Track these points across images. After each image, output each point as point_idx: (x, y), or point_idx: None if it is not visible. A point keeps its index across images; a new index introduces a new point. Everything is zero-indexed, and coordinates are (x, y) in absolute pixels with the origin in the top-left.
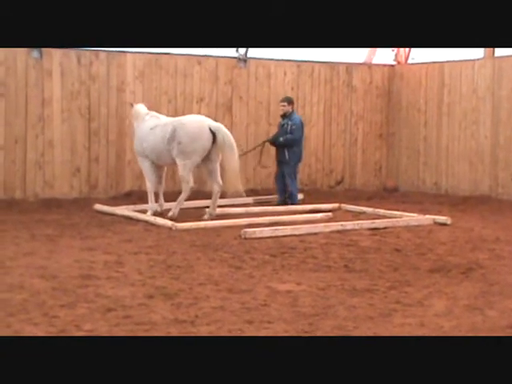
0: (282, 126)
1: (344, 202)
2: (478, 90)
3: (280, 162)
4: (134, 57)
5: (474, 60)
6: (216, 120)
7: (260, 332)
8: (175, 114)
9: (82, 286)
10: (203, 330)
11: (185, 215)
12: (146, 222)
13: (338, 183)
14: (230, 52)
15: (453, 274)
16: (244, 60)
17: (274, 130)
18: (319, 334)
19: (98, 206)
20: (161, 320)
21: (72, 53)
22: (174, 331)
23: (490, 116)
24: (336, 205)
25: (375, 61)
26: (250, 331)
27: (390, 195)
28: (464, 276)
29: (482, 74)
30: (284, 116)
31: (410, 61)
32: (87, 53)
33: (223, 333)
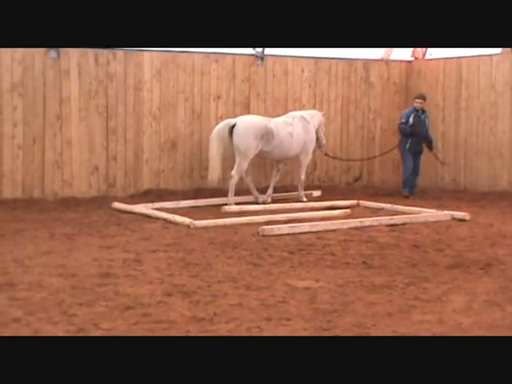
0: (422, 120)
1: (362, 199)
2: (496, 85)
3: (418, 152)
4: (152, 55)
5: (491, 55)
6: (234, 118)
7: (278, 329)
8: (192, 113)
9: (101, 284)
10: (221, 328)
11: (203, 212)
12: (165, 219)
13: (356, 180)
14: (247, 49)
15: (472, 269)
16: (261, 57)
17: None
18: (338, 331)
19: (117, 204)
20: (179, 318)
21: (89, 52)
22: (193, 329)
23: (509, 111)
24: (354, 201)
25: (393, 57)
26: (269, 328)
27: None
28: (483, 272)
29: (500, 69)
30: (422, 111)
31: (427, 56)
32: (104, 52)
33: (241, 330)
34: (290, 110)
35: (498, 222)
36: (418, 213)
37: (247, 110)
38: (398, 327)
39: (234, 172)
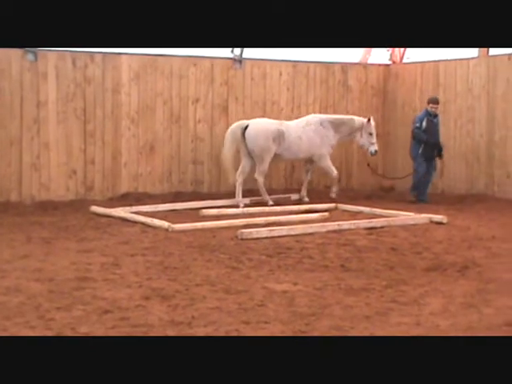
0: (435, 124)
1: (341, 202)
2: (473, 89)
3: (432, 158)
4: (130, 58)
5: (468, 59)
6: (212, 121)
7: (257, 332)
8: (171, 116)
9: (79, 288)
10: (200, 332)
11: (182, 216)
12: (143, 223)
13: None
14: (226, 53)
15: (449, 272)
16: (239, 61)
17: None
18: (316, 334)
19: (95, 208)
20: (157, 322)
21: (67, 55)
22: (171, 333)
23: (486, 114)
24: (333, 205)
25: (370, 60)
26: (247, 332)
27: (386, 194)
28: (460, 274)
29: (476, 72)
30: (434, 115)
31: (404, 60)
32: (82, 55)
33: (220, 333)
34: (268, 114)
35: (475, 225)
36: (396, 216)
37: (225, 113)
38: (375, 330)
39: (256, 175)
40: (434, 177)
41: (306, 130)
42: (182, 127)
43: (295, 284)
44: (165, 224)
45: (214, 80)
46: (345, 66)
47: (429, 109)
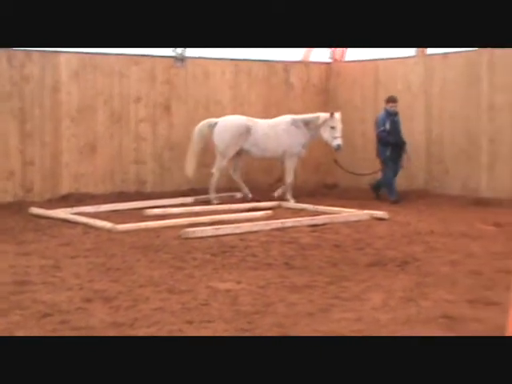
0: (397, 123)
1: (284, 200)
2: (412, 87)
3: (399, 156)
4: (69, 57)
5: (407, 58)
6: (154, 120)
7: (200, 332)
8: (112, 115)
9: (16, 292)
10: (142, 333)
11: (125, 216)
12: (85, 224)
13: (278, 181)
14: (167, 51)
15: (389, 267)
16: (181, 59)
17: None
18: (258, 332)
19: (34, 210)
20: (99, 324)
21: (1, 54)
22: (113, 335)
23: (424, 112)
24: (276, 203)
25: (312, 59)
26: (190, 331)
27: (329, 191)
28: (400, 269)
29: (415, 71)
30: (394, 114)
31: (345, 59)
32: (18, 53)
33: (162, 334)
34: (212, 113)
35: (415, 220)
36: (339, 213)
37: (168, 112)
38: (317, 326)
39: (214, 169)
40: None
41: (276, 129)
42: (124, 127)
43: (239, 282)
44: (107, 225)
45: (156, 79)
46: (287, 65)
47: (388, 108)
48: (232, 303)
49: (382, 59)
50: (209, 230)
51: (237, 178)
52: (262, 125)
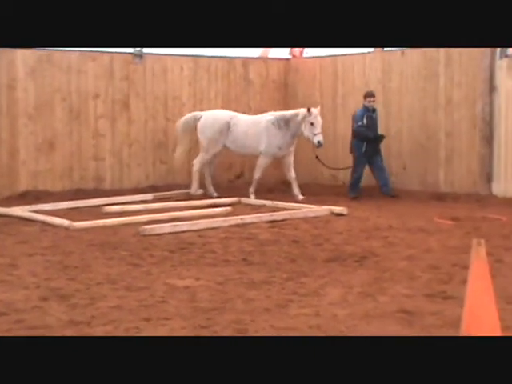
0: (375, 119)
1: (244, 196)
2: (370, 83)
3: (377, 152)
4: (25, 53)
5: (364, 54)
6: (113, 116)
7: (157, 329)
8: (70, 112)
9: None
10: (99, 331)
11: (83, 214)
12: (43, 222)
13: (238, 177)
14: (125, 47)
15: (348, 262)
16: (140, 55)
17: (171, 126)
18: (216, 328)
19: None
20: (55, 322)
21: None
22: (70, 333)
23: (382, 108)
24: (236, 199)
25: (271, 55)
26: (147, 329)
27: (288, 187)
28: (358, 264)
29: (372, 67)
30: (373, 110)
31: (304, 55)
32: None
33: (119, 332)
34: (171, 109)
35: (374, 216)
36: (298, 208)
37: (127, 108)
38: (275, 322)
39: (195, 160)
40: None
41: (257, 127)
42: (83, 123)
43: (197, 279)
44: (65, 222)
45: (114, 75)
46: (246, 61)
47: (366, 103)
48: (190, 300)
49: (341, 55)
50: (167, 227)
51: (208, 175)
52: (243, 122)
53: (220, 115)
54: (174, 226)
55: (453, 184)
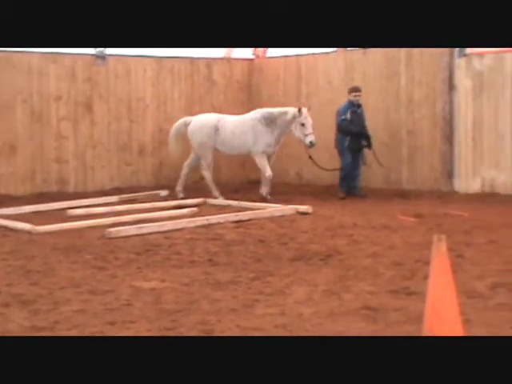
0: (359, 115)
1: (209, 197)
2: (333, 82)
3: (360, 149)
4: None
5: (328, 53)
6: (76, 118)
7: (122, 332)
8: (32, 115)
9: None
10: (63, 336)
11: (47, 217)
12: (5, 227)
13: (203, 178)
14: (88, 49)
15: (313, 261)
16: (102, 57)
17: (135, 127)
18: (182, 330)
19: None
20: (17, 328)
21: None
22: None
23: None
24: (201, 199)
25: (234, 55)
26: (112, 332)
27: (254, 187)
28: (323, 263)
29: (336, 66)
30: (358, 105)
31: (268, 55)
32: None
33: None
34: (134, 110)
35: (338, 214)
36: (264, 208)
37: (90, 110)
38: (241, 321)
39: (203, 172)
40: (362, 168)
41: (244, 126)
42: (45, 125)
43: (163, 281)
44: (27, 226)
45: (76, 77)
46: (209, 62)
47: (351, 98)
48: (155, 302)
49: (304, 55)
50: (133, 229)
51: (184, 174)
52: (229, 123)
53: (207, 119)
54: (140, 227)
55: (415, 181)
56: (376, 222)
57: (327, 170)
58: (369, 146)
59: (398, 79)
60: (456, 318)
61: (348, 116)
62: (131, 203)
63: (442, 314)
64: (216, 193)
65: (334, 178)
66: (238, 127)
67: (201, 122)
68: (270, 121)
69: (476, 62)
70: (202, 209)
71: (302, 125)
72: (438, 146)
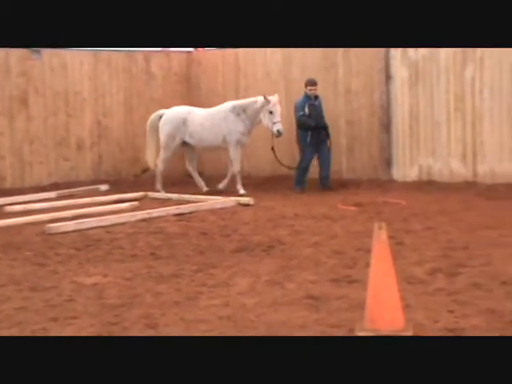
0: (317, 107)
1: (150, 190)
2: (272, 74)
3: (323, 141)
4: None
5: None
6: (11, 114)
7: (65, 329)
8: None
9: None
10: (4, 334)
11: None
12: None
13: (144, 172)
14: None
15: (256, 252)
16: (37, 51)
17: (73, 122)
18: (126, 324)
19: None
20: None
21: None
22: None
23: (284, 99)
24: (142, 193)
25: (172, 48)
26: (55, 329)
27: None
28: (266, 253)
29: (274, 59)
30: (315, 98)
31: (206, 48)
32: None
33: (26, 334)
34: (72, 104)
35: (280, 205)
36: (205, 201)
37: (25, 105)
38: (185, 314)
39: (158, 162)
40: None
41: (213, 118)
42: None
43: (105, 276)
44: None
45: (10, 71)
46: (147, 54)
47: (307, 92)
48: (98, 297)
49: (242, 48)
50: (72, 225)
51: (191, 169)
52: (199, 115)
53: (178, 111)
54: (80, 223)
55: (355, 170)
56: (317, 212)
57: (285, 166)
58: (327, 136)
59: (335, 70)
60: (397, 303)
61: (306, 110)
62: (70, 199)
63: (383, 300)
64: (159, 186)
65: (274, 169)
66: (207, 120)
67: (170, 114)
68: (241, 110)
69: (411, 53)
70: (143, 202)
71: (270, 113)
72: (376, 135)
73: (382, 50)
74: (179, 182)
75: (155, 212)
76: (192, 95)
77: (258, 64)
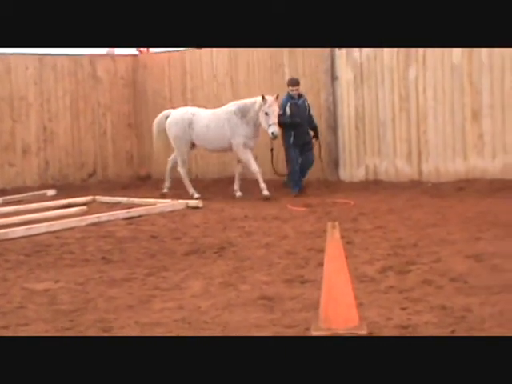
0: (301, 106)
1: (98, 194)
2: (218, 76)
3: (308, 143)
4: None
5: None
6: None
7: (17, 335)
8: None
9: None
10: None
11: None
12: None
13: (91, 176)
14: None
15: (207, 254)
16: None
17: (18, 127)
18: (81, 329)
19: None
20: None
21: None
22: None
23: (231, 100)
24: (90, 197)
25: (118, 51)
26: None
27: (143, 183)
28: (217, 255)
29: (220, 60)
30: (298, 96)
31: (152, 50)
32: None
33: None
34: (17, 109)
35: (229, 207)
36: (154, 204)
37: None
38: (139, 318)
39: (179, 168)
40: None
41: (219, 120)
42: None
43: (56, 281)
44: None
45: None
46: (93, 58)
47: (290, 92)
48: (50, 303)
49: (188, 49)
50: (21, 231)
51: (169, 169)
52: (204, 116)
53: (183, 112)
54: (28, 228)
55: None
56: (267, 213)
57: (278, 174)
58: (316, 136)
59: (282, 71)
60: (351, 301)
61: (287, 110)
62: (17, 204)
63: (338, 299)
64: (191, 190)
65: (221, 171)
66: (212, 121)
67: (176, 116)
68: (245, 112)
69: (356, 53)
70: (92, 207)
71: (266, 114)
72: (324, 136)
73: (327, 50)
74: (129, 185)
75: (104, 216)
76: (139, 99)
77: (204, 65)
